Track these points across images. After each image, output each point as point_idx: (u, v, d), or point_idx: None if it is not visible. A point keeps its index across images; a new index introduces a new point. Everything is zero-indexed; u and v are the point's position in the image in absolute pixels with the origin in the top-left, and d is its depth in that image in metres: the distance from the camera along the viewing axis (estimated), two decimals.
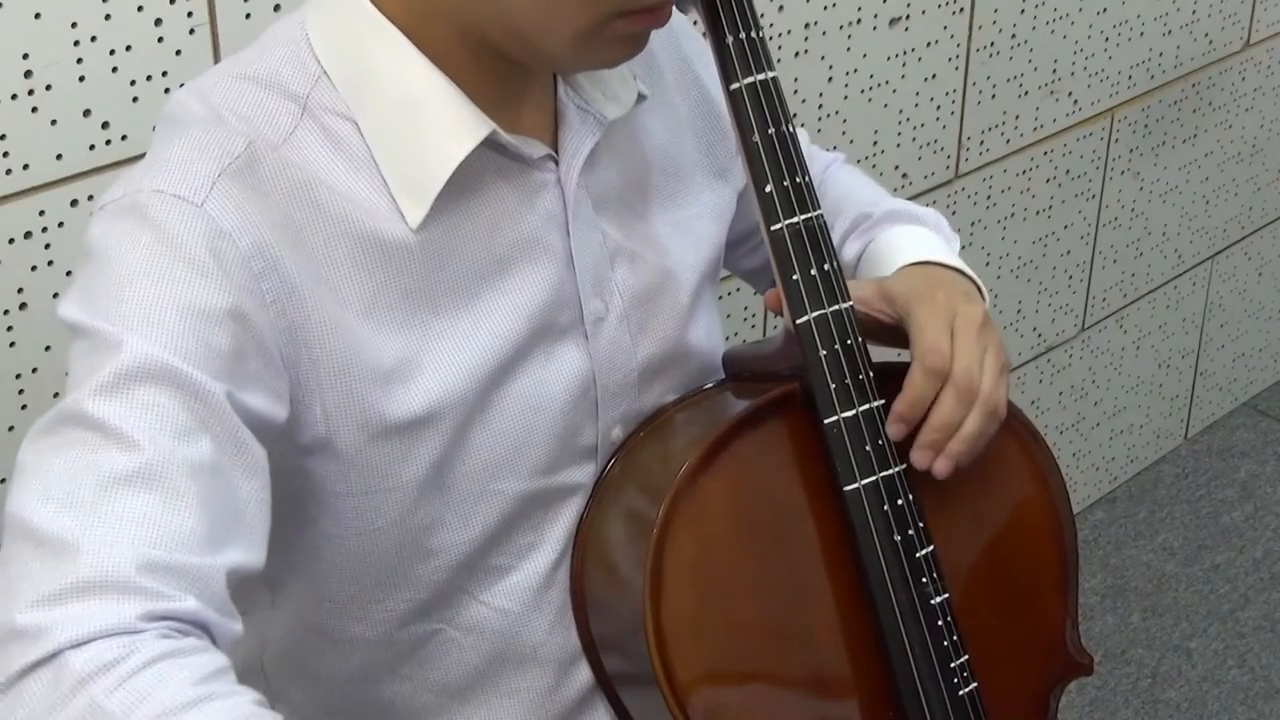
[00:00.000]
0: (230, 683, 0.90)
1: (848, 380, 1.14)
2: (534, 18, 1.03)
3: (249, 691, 0.90)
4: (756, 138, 1.14)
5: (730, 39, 1.13)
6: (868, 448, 1.14)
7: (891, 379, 1.17)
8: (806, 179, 1.15)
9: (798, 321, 1.14)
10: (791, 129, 1.15)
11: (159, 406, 0.96)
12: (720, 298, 1.33)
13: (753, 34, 1.13)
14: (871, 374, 1.15)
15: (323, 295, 1.05)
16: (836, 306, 1.14)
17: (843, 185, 1.40)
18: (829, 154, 1.44)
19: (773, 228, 1.14)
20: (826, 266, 1.14)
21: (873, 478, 1.14)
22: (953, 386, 1.15)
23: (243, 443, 1.00)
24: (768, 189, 1.14)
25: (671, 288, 1.21)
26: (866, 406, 1.14)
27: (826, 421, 1.13)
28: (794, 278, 1.14)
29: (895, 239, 1.30)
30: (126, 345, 0.96)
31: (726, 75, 1.14)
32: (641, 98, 1.19)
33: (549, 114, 1.15)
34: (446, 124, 1.07)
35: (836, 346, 1.14)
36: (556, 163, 1.14)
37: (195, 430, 0.96)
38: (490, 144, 1.09)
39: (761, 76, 1.14)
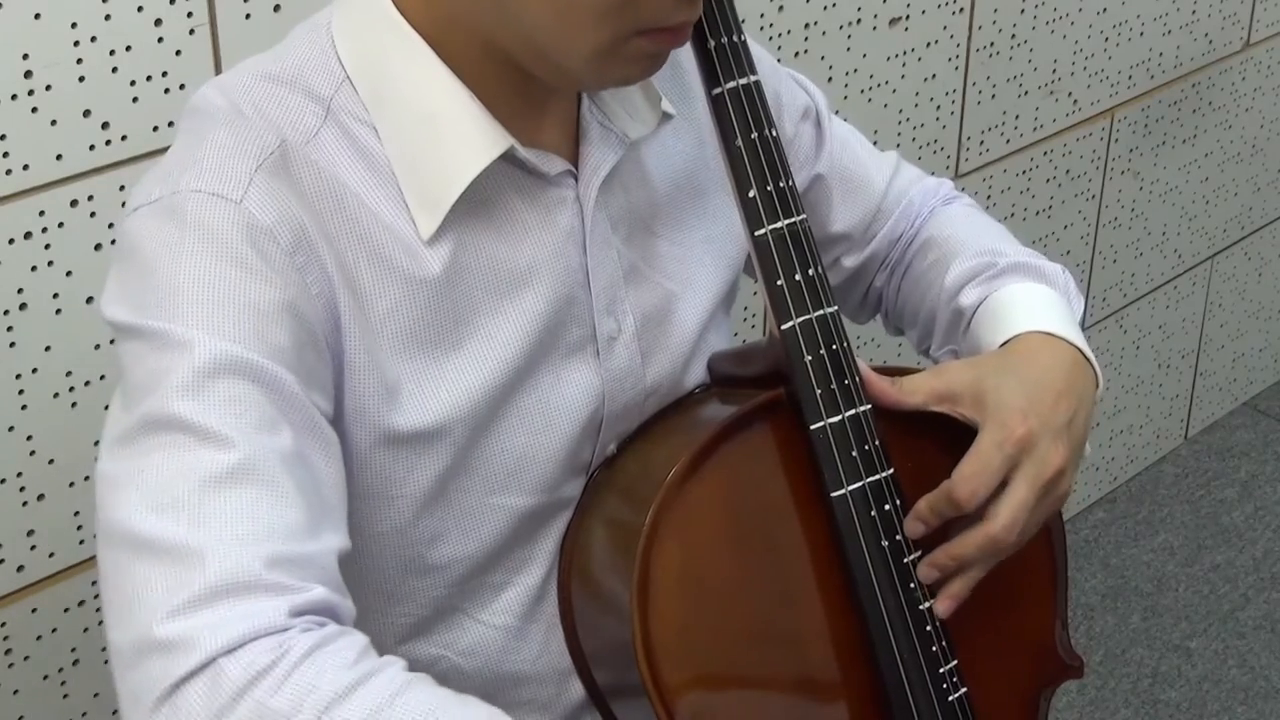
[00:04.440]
0: (377, 657, 0.92)
1: (833, 385, 1.14)
2: (552, 34, 1.02)
3: (396, 660, 0.93)
4: (739, 142, 1.13)
5: (712, 43, 1.13)
6: (854, 453, 1.14)
7: None
8: (790, 183, 1.14)
9: (783, 327, 1.13)
10: (774, 133, 1.14)
11: (241, 400, 0.96)
12: None
13: (735, 38, 1.13)
14: (859, 379, 1.15)
15: (349, 295, 1.05)
16: (821, 311, 1.14)
17: (962, 222, 1.37)
18: (936, 179, 1.41)
19: (756, 233, 1.14)
20: (811, 271, 1.14)
21: (860, 483, 1.14)
22: (988, 534, 1.14)
23: (318, 426, 1.01)
24: (751, 194, 1.14)
25: (680, 311, 1.21)
26: (853, 411, 1.14)
27: (813, 427, 1.13)
28: (778, 283, 1.13)
29: (1014, 297, 1.26)
30: (198, 343, 0.96)
31: (709, 80, 1.14)
32: (667, 117, 1.18)
33: (570, 129, 1.14)
34: (464, 137, 1.07)
35: (822, 351, 1.14)
36: (575, 179, 1.13)
37: (278, 420, 0.97)
38: (508, 159, 1.09)
39: (744, 81, 1.13)
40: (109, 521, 0.94)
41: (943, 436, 1.19)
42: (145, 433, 0.96)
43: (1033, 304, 1.25)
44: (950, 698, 1.18)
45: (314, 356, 1.03)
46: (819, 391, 1.13)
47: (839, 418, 1.14)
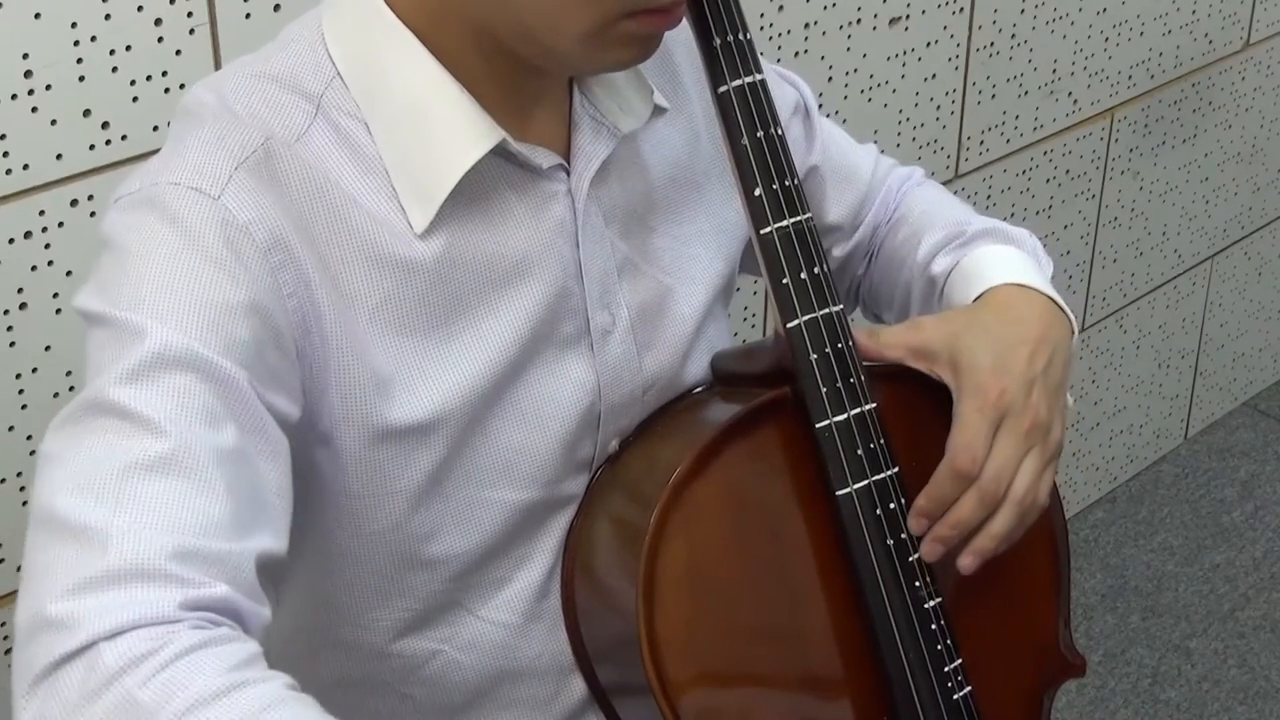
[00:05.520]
0: (262, 669, 0.90)
1: (839, 384, 1.14)
2: (542, 16, 1.02)
3: (281, 676, 0.90)
4: (745, 141, 1.13)
5: (718, 41, 1.13)
6: (860, 451, 1.14)
7: (884, 381, 1.17)
8: (795, 182, 1.14)
9: (788, 325, 1.13)
10: (780, 132, 1.14)
11: (184, 392, 0.95)
12: None
13: (740, 36, 1.13)
14: (863, 377, 1.15)
15: (333, 294, 1.05)
16: (827, 310, 1.14)
17: (929, 201, 1.38)
18: (907, 169, 1.43)
19: (762, 231, 1.14)
20: (817, 270, 1.14)
21: (865, 482, 1.14)
22: (978, 489, 1.15)
23: (265, 428, 1.00)
24: (757, 192, 1.14)
25: (676, 304, 1.21)
26: (858, 410, 1.14)
27: (818, 426, 1.13)
28: (784, 281, 1.13)
29: (984, 259, 1.27)
30: (150, 333, 0.96)
31: (714, 78, 1.13)
32: (659, 110, 1.18)
33: (563, 123, 1.14)
34: (456, 131, 1.07)
35: (827, 350, 1.14)
36: (568, 173, 1.13)
37: (220, 416, 0.96)
38: (500, 152, 1.09)
39: (750, 79, 1.13)
40: (35, 498, 0.94)
41: (943, 433, 1.18)
42: (84, 416, 0.95)
43: (1002, 262, 1.26)
44: (955, 696, 1.18)
45: (277, 357, 1.02)
46: (824, 390, 1.13)
47: (844, 416, 1.14)
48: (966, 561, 1.16)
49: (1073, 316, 1.26)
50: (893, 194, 1.39)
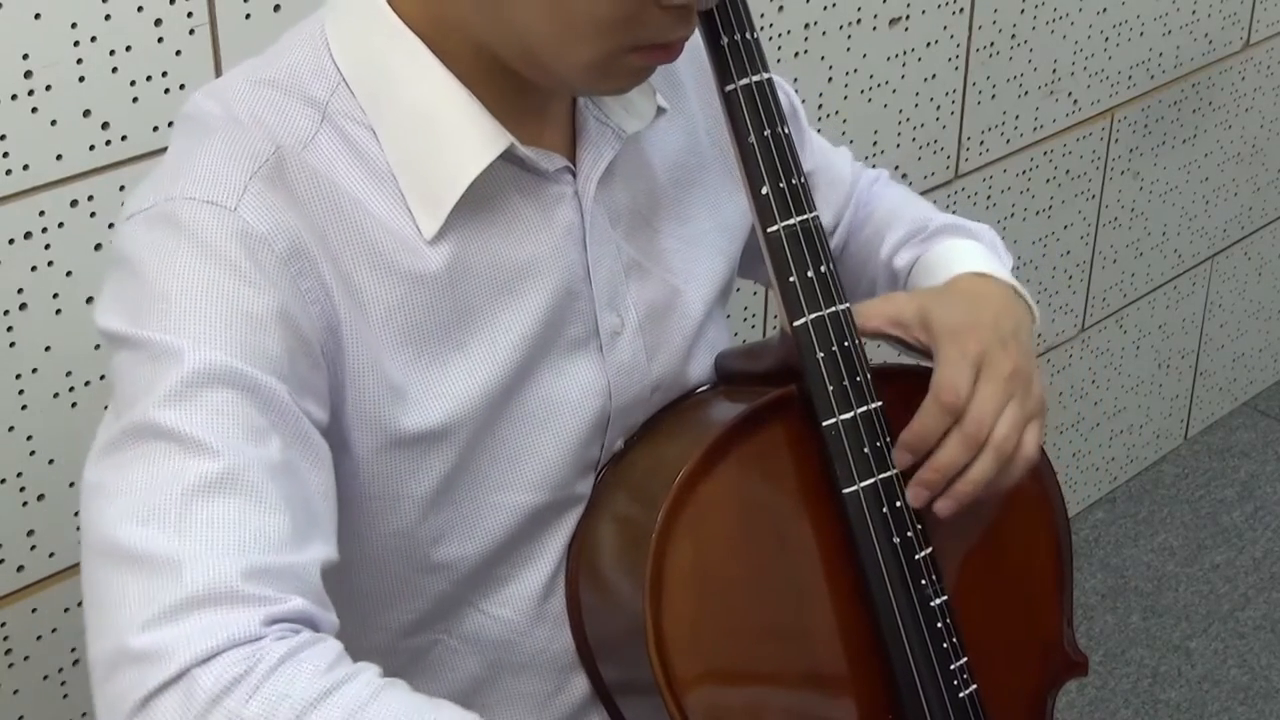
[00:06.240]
0: (351, 664, 0.92)
1: (846, 382, 1.14)
2: (549, 43, 1.03)
3: (371, 666, 0.93)
4: (752, 139, 1.13)
5: (725, 40, 1.13)
6: (866, 450, 1.14)
7: (890, 381, 1.17)
8: (802, 180, 1.15)
9: (795, 324, 1.14)
10: (786, 130, 1.15)
11: (228, 409, 0.95)
12: None
13: (748, 35, 1.13)
14: (870, 375, 1.15)
15: (348, 300, 1.05)
16: (834, 308, 1.14)
17: (894, 199, 1.40)
18: (874, 170, 1.44)
19: (769, 230, 1.14)
20: (824, 268, 1.14)
21: (871, 480, 1.14)
22: (960, 430, 1.15)
23: (308, 437, 1.00)
24: (764, 191, 1.14)
25: (681, 304, 1.21)
26: (865, 408, 1.14)
27: (825, 424, 1.13)
28: (791, 280, 1.14)
29: (948, 251, 1.29)
30: (187, 352, 0.96)
31: (722, 77, 1.14)
32: (661, 111, 1.18)
33: (567, 126, 1.14)
34: (464, 136, 1.07)
35: (834, 348, 1.14)
36: (574, 175, 1.13)
37: (266, 430, 0.97)
38: (508, 157, 1.08)
39: (757, 78, 1.14)
40: (91, 530, 0.94)
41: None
42: (130, 442, 0.95)
43: (964, 254, 1.28)
44: (960, 694, 1.18)
45: (307, 364, 1.02)
46: (831, 388, 1.13)
47: (851, 414, 1.14)
48: (944, 505, 1.16)
49: (1034, 305, 1.27)
50: (864, 194, 1.41)
